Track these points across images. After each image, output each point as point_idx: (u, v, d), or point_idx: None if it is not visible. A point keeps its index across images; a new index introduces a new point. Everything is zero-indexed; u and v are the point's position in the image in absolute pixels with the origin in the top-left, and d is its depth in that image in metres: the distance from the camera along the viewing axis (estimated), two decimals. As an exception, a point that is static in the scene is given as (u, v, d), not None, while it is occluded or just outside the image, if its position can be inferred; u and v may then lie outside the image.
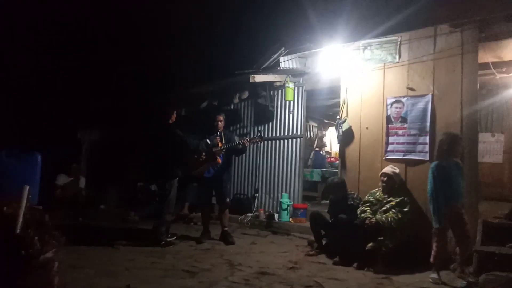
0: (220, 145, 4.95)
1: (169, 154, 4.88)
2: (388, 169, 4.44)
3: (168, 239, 4.91)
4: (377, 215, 4.20)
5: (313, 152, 9.65)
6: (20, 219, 2.91)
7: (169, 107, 5.23)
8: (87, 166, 8.72)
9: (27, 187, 3.00)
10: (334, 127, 10.68)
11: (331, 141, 11.49)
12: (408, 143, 4.62)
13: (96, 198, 7.73)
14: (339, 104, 7.43)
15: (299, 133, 6.69)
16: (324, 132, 11.41)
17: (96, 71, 7.35)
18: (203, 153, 4.90)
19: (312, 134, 10.61)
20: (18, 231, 2.88)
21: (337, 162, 9.88)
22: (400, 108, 4.70)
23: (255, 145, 5.84)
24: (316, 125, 10.92)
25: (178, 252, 4.57)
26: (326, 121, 10.88)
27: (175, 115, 5.12)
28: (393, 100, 4.75)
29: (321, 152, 10.21)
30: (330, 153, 11.02)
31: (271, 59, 5.47)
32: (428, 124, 4.47)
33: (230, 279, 3.53)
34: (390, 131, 4.76)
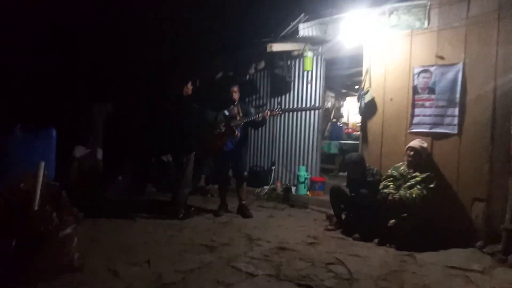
0: (238, 117, 4.81)
1: (185, 127, 4.77)
2: (416, 143, 4.23)
3: (186, 212, 4.89)
4: (400, 191, 4.04)
5: (330, 123, 9.43)
6: (37, 195, 2.88)
7: (186, 79, 5.09)
8: (104, 138, 8.73)
9: (43, 163, 2.96)
10: (355, 98, 10.47)
11: (348, 112, 11.22)
12: (435, 115, 4.36)
13: (114, 170, 7.77)
14: (359, 74, 7.10)
15: (317, 105, 6.46)
16: (341, 103, 11.12)
17: (110, 43, 7.15)
18: (222, 127, 4.78)
19: (329, 105, 10.34)
20: (36, 208, 2.87)
21: (355, 133, 9.73)
22: (427, 78, 4.41)
23: (272, 118, 5.65)
24: (334, 95, 10.62)
25: (196, 225, 4.56)
26: (344, 91, 10.57)
27: (191, 87, 4.97)
28: (421, 69, 4.45)
29: (338, 123, 9.99)
30: (347, 124, 10.79)
31: (290, 27, 5.18)
32: (458, 95, 4.19)
33: (250, 255, 3.49)
34: (416, 102, 4.50)
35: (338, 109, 10.80)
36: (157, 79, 7.32)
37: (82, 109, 7.92)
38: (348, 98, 11.11)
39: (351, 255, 3.61)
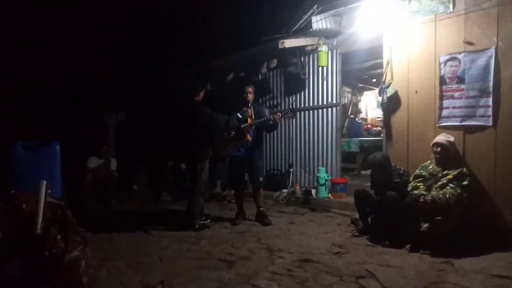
0: (249, 120, 4.54)
1: (198, 133, 4.55)
2: (441, 138, 3.88)
3: (202, 222, 4.67)
4: (432, 192, 3.69)
5: (347, 120, 9.06)
6: (40, 217, 2.68)
7: (197, 82, 4.88)
8: (116, 147, 8.61)
9: (44, 182, 2.75)
10: (373, 92, 10.07)
11: (366, 107, 10.81)
12: (466, 106, 3.99)
13: (128, 179, 7.64)
14: (377, 66, 6.79)
15: (334, 101, 6.14)
16: (359, 98, 10.71)
17: (117, 49, 7.01)
18: (232, 131, 4.52)
19: (346, 101, 9.96)
20: (38, 230, 2.66)
21: (374, 129, 9.34)
22: (456, 66, 4.04)
23: (287, 120, 5.36)
24: (350, 90, 10.23)
25: (213, 236, 4.32)
26: (360, 85, 10.16)
27: (203, 92, 4.75)
28: (447, 57, 4.08)
29: (356, 119, 9.61)
30: (366, 120, 10.39)
31: (302, 20, 4.86)
32: (491, 83, 3.81)
33: (271, 269, 3.21)
34: (444, 93, 4.14)
35: (356, 105, 10.38)
36: (167, 84, 7.16)
37: (93, 119, 7.84)
38: (365, 93, 10.69)
39: (383, 265, 3.29)
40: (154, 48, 6.54)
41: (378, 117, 9.91)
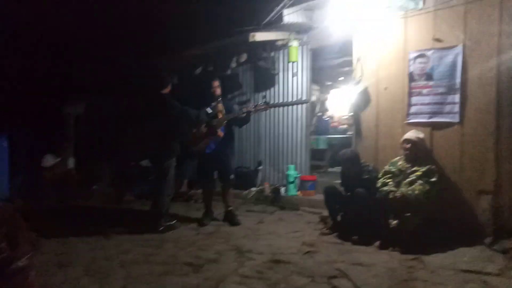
0: (220, 115, 4.36)
1: (165, 128, 4.30)
2: (411, 134, 3.89)
3: (167, 223, 4.43)
4: (402, 188, 3.70)
5: (315, 117, 9.07)
6: (-21, 222, 2.38)
7: (165, 75, 4.61)
8: (77, 143, 8.11)
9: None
10: (340, 90, 10.14)
11: (334, 105, 10.89)
12: (434, 103, 4.02)
13: (88, 178, 7.22)
14: (346, 64, 6.78)
15: (304, 98, 6.07)
16: (326, 96, 10.76)
17: (77, 37, 6.53)
18: (203, 126, 4.32)
19: (314, 98, 9.96)
20: (-23, 237, 2.35)
21: (341, 126, 9.42)
22: (424, 63, 4.06)
23: (257, 114, 5.21)
24: (318, 88, 10.24)
25: (179, 238, 4.10)
26: (328, 83, 10.20)
27: (170, 85, 4.50)
28: (417, 54, 4.10)
29: (324, 117, 9.65)
30: (332, 118, 10.46)
31: (274, 13, 4.72)
32: (458, 80, 3.85)
33: (241, 272, 3.06)
34: (413, 90, 4.16)
35: (323, 102, 10.45)
36: (131, 76, 6.77)
37: (50, 112, 7.29)
38: (332, 91, 10.77)
39: (354, 263, 3.24)
40: (117, 36, 6.14)
41: (345, 115, 10.03)
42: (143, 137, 4.87)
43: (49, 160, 6.51)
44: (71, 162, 6.78)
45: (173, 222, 4.56)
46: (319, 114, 9.60)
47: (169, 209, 4.56)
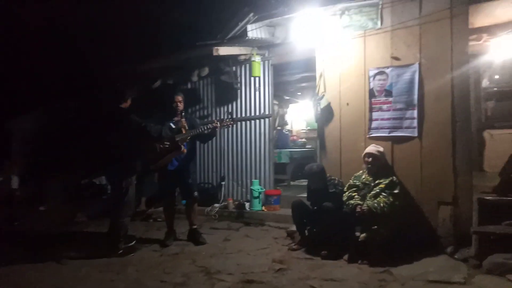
0: (184, 130, 4.20)
1: (124, 145, 4.05)
2: (372, 148, 4.00)
3: (127, 245, 4.14)
4: (367, 201, 3.75)
5: (275, 131, 9.14)
6: None
7: (125, 88, 4.37)
8: (22, 161, 7.47)
9: None
10: (298, 104, 10.35)
11: (292, 119, 11.08)
12: (394, 118, 4.19)
13: (35, 198, 6.65)
14: (306, 79, 6.94)
15: (266, 112, 6.08)
16: (285, 110, 10.93)
17: (25, 44, 6.05)
18: (166, 142, 4.13)
19: (274, 113, 10.07)
20: None
21: (300, 140, 9.58)
22: (384, 80, 4.23)
23: (222, 129, 5.12)
24: (277, 102, 10.38)
25: (141, 260, 3.85)
26: (287, 98, 10.38)
27: (130, 98, 4.27)
28: (376, 71, 4.27)
29: (283, 131, 9.76)
30: (291, 131, 10.63)
31: (238, 27, 4.71)
32: (415, 96, 4.05)
33: (211, 295, 2.91)
34: (373, 106, 4.30)
35: (282, 117, 10.59)
36: (85, 88, 6.39)
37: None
38: (291, 105, 10.97)
39: (326, 279, 3.22)
40: (71, 46, 5.76)
41: (303, 129, 10.22)
42: (97, 153, 4.57)
43: (-11, 180, 5.92)
44: (15, 182, 6.20)
45: (132, 243, 4.28)
46: (279, 128, 9.69)
47: (127, 231, 4.27)
